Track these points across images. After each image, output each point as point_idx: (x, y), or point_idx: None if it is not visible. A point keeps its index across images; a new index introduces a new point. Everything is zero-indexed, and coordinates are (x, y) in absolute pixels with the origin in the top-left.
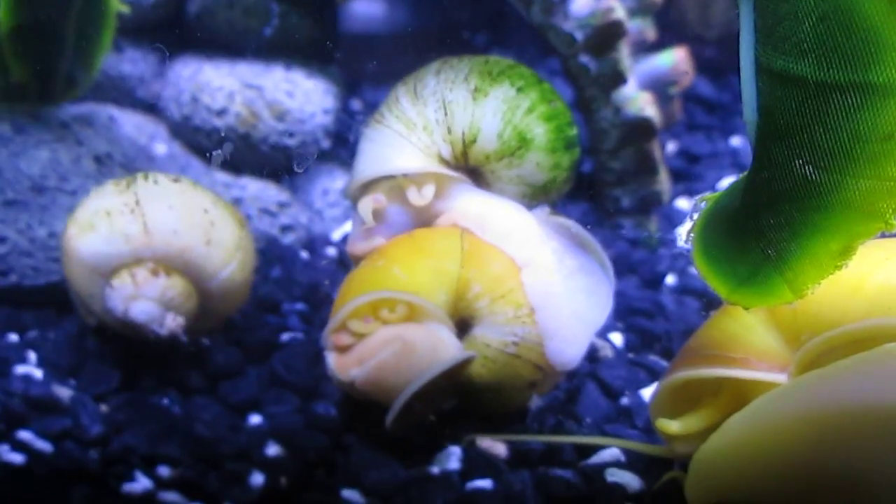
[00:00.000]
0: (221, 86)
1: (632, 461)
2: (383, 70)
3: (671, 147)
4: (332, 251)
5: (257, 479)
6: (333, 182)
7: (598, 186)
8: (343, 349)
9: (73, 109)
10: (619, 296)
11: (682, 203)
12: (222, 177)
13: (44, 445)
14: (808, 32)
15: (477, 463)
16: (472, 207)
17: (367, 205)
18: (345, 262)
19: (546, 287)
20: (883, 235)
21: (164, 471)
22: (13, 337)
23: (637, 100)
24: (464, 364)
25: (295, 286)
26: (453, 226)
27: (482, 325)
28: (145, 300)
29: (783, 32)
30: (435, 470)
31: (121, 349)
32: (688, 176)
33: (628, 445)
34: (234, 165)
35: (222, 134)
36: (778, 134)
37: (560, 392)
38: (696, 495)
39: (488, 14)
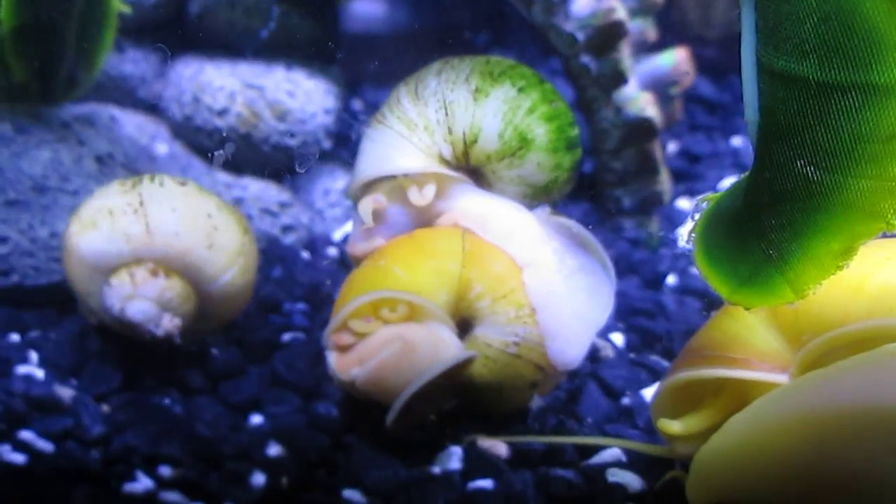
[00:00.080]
0: (223, 86)
1: (633, 461)
2: (384, 70)
3: (672, 147)
4: (333, 251)
5: (258, 479)
6: (335, 182)
7: (599, 187)
8: (344, 349)
9: (75, 109)
10: (621, 296)
11: (683, 203)
12: (224, 177)
13: (45, 445)
14: (810, 33)
15: (478, 463)
16: (473, 207)
17: (367, 205)
18: (346, 263)
19: (547, 287)
20: (884, 236)
21: (165, 471)
22: (14, 337)
23: (638, 100)
24: (464, 364)
25: (296, 286)
26: (454, 226)
27: (483, 325)
28: (143, 300)
29: (785, 33)
30: (436, 470)
31: (122, 349)
32: (689, 176)
33: (629, 445)
34: (236, 165)
35: (224, 134)
36: (779, 134)
37: (561, 392)
38: (697, 495)
39: (489, 14)
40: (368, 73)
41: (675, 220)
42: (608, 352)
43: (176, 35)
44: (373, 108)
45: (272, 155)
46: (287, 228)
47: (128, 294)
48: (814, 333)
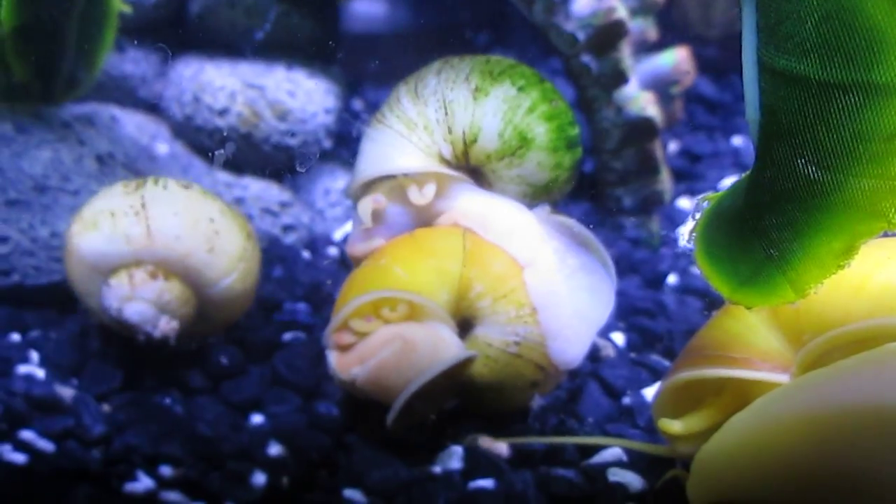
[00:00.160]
0: (223, 85)
1: (634, 461)
2: (385, 70)
3: (673, 147)
4: (333, 251)
5: (259, 478)
6: (335, 182)
7: (599, 186)
8: (344, 348)
9: (76, 109)
10: (621, 295)
11: (684, 202)
12: (224, 177)
13: (46, 445)
14: (811, 32)
15: (479, 462)
16: (473, 207)
17: (366, 206)
18: (346, 262)
19: (548, 286)
20: (885, 235)
21: (166, 470)
22: (15, 336)
23: (639, 99)
24: (465, 363)
25: (297, 286)
26: (454, 225)
27: (484, 325)
28: (141, 301)
29: (786, 32)
30: (437, 469)
31: (123, 349)
32: (689, 175)
33: (630, 445)
34: (236, 165)
35: (224, 134)
36: (780, 133)
37: (562, 391)
38: (697, 495)
39: (490, 14)
40: (369, 72)
41: (675, 219)
42: (609, 351)
43: (176, 35)
44: (373, 107)
45: (273, 154)
46: (288, 228)
47: (126, 295)
48: (815, 333)
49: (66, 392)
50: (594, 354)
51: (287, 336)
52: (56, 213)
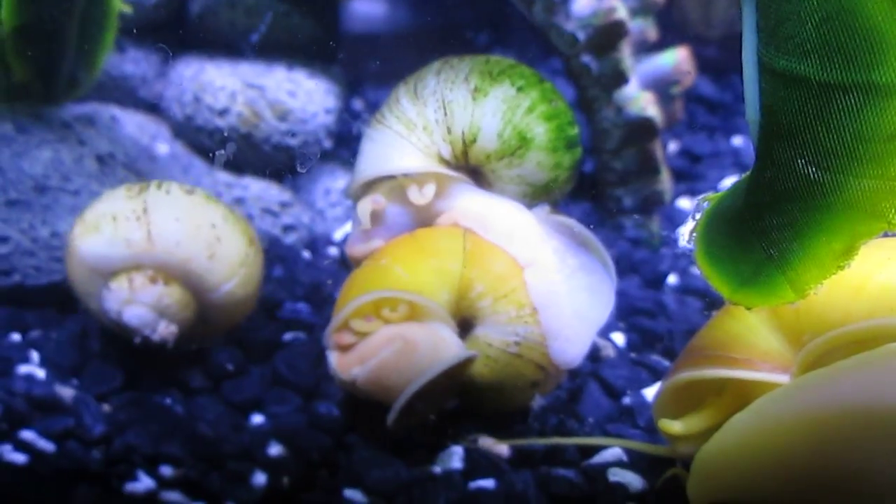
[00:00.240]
0: (223, 85)
1: (634, 461)
2: (385, 70)
3: (673, 147)
4: (333, 251)
5: (259, 478)
6: (335, 182)
7: (600, 186)
8: (345, 348)
9: (76, 109)
10: (621, 295)
11: (684, 203)
12: (224, 177)
13: (46, 445)
14: (811, 33)
15: (479, 462)
16: (472, 207)
17: (365, 207)
18: (347, 262)
19: (548, 286)
20: (886, 235)
21: (166, 470)
22: (15, 336)
23: (639, 99)
24: (465, 363)
25: (297, 286)
26: (454, 225)
27: (484, 325)
28: (140, 305)
29: (786, 32)
30: (437, 469)
31: (123, 349)
32: (690, 176)
33: (631, 445)
34: (237, 165)
35: (224, 134)
36: (781, 134)
37: (562, 391)
38: (698, 495)
39: (490, 14)
40: (369, 72)
41: (675, 219)
42: (609, 351)
43: (177, 35)
44: (374, 107)
45: (273, 155)
46: (288, 228)
47: (126, 298)
48: (815, 333)
49: (67, 392)
50: (594, 354)
51: (287, 336)
52: (56, 213)
